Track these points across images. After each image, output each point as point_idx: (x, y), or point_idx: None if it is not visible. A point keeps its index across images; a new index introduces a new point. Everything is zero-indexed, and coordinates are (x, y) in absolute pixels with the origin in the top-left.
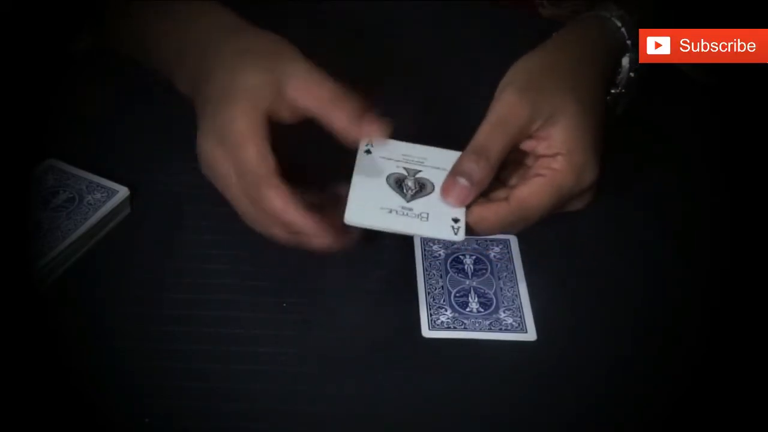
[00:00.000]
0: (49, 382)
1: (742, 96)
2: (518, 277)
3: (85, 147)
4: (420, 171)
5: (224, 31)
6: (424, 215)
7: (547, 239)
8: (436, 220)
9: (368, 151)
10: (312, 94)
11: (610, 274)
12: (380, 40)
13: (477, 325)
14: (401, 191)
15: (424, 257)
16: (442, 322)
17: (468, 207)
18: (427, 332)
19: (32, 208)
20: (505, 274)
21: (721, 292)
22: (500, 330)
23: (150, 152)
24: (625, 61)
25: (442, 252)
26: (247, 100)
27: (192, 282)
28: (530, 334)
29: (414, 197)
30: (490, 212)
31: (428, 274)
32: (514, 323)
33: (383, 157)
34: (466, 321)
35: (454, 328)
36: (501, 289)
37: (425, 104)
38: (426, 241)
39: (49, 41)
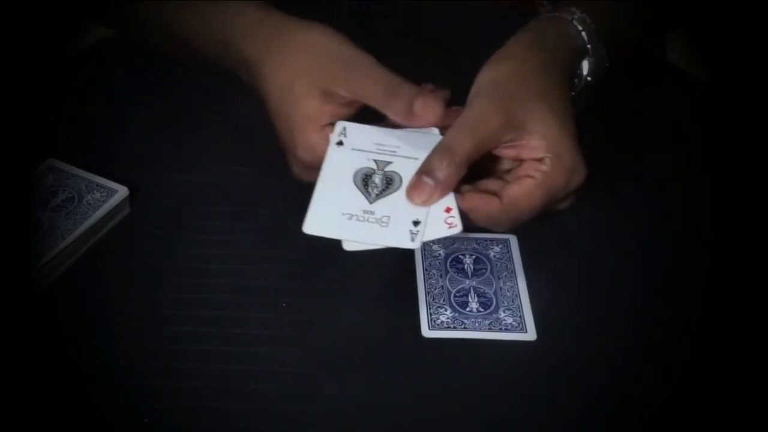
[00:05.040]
0: (49, 381)
1: (742, 96)
2: (518, 277)
3: (85, 147)
4: (390, 163)
5: (268, 46)
6: (385, 219)
7: (546, 239)
8: (396, 225)
9: (340, 143)
10: (365, 92)
11: (610, 273)
12: (379, 39)
13: (477, 324)
14: (366, 191)
15: (424, 257)
16: (442, 321)
17: (460, 192)
18: (427, 332)
19: (32, 208)
20: (504, 273)
21: (721, 292)
22: (500, 330)
23: (150, 152)
24: (584, 65)
25: (441, 252)
26: (313, 127)
27: (192, 282)
28: (530, 334)
29: (379, 196)
30: (482, 203)
31: (428, 274)
32: (514, 323)
33: (355, 149)
34: (466, 321)
35: (454, 327)
36: (501, 288)
37: None
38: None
39: (49, 41)
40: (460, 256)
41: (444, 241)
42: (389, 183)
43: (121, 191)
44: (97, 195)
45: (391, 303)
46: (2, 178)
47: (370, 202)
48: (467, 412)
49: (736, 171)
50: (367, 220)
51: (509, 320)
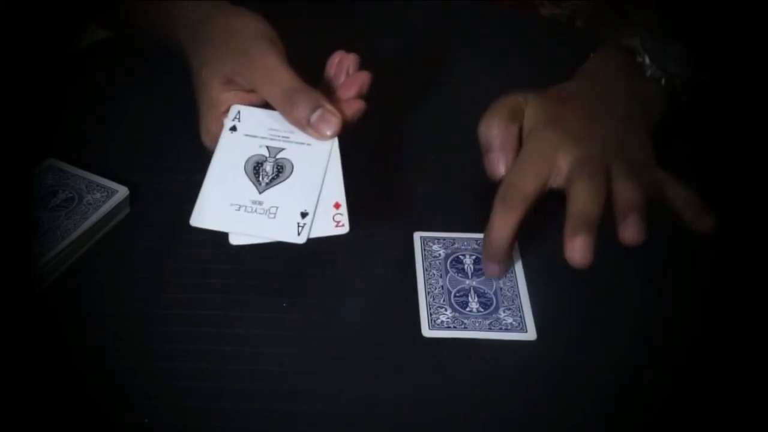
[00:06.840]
0: (49, 382)
1: (741, 96)
2: (518, 277)
3: (85, 147)
4: (283, 149)
5: (191, 34)
6: (273, 210)
7: (547, 240)
8: (283, 217)
9: (233, 128)
10: (264, 91)
11: (610, 274)
12: (379, 39)
13: (477, 324)
14: (257, 179)
15: (424, 257)
16: (442, 321)
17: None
18: (427, 332)
19: (32, 208)
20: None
21: (721, 292)
22: (500, 330)
23: (150, 152)
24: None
25: (442, 252)
26: (214, 113)
27: (192, 282)
28: (530, 334)
29: (269, 185)
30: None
31: (428, 274)
32: (514, 323)
33: (248, 135)
34: (466, 321)
35: (454, 327)
36: (501, 288)
37: (423, 103)
38: (426, 241)
39: (49, 41)
40: (460, 256)
41: (444, 241)
42: (280, 171)
43: (121, 191)
44: (97, 195)
45: (391, 303)
46: (2, 178)
47: (260, 192)
48: (467, 412)
49: (736, 171)
50: (255, 212)
51: (509, 320)
